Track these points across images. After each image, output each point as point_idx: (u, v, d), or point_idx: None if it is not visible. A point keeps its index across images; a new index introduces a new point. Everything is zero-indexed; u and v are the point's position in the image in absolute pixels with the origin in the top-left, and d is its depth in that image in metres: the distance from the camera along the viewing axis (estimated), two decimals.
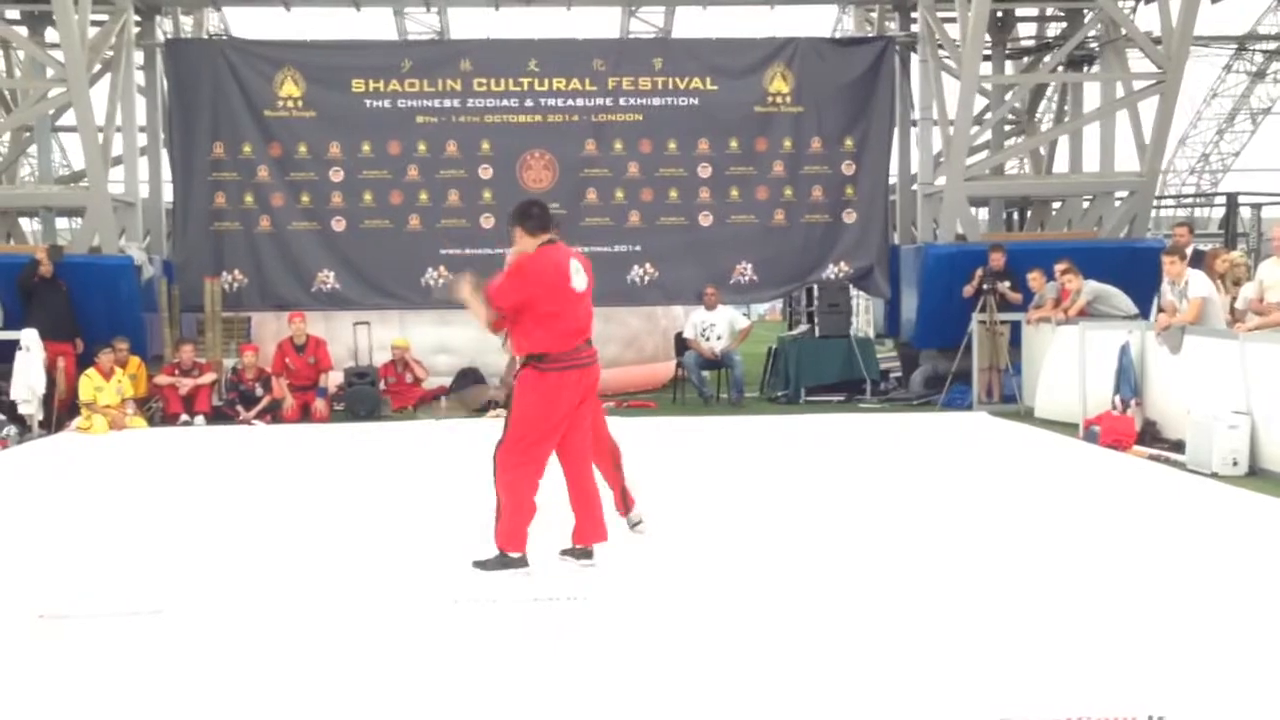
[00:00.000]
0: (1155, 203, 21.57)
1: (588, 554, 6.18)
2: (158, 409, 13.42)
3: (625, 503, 6.90)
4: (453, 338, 15.20)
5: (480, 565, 6.02)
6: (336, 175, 15.06)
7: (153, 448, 11.44)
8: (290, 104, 15.02)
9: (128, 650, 4.86)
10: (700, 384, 14.65)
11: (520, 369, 6.14)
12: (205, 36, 16.46)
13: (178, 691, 4.35)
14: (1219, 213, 27.31)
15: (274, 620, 5.30)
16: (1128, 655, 4.63)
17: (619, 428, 11.98)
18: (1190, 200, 32.42)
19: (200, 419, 13.16)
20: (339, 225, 15.09)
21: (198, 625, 5.22)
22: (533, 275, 6.00)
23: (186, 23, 16.36)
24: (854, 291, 16.49)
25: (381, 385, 14.06)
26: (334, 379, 14.10)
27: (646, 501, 7.09)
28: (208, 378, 13.52)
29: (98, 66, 13.90)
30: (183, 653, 4.82)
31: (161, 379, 13.42)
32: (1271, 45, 28.96)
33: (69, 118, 14.92)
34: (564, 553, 6.21)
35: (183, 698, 4.29)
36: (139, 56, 15.00)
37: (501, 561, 5.98)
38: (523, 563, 5.98)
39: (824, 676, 4.43)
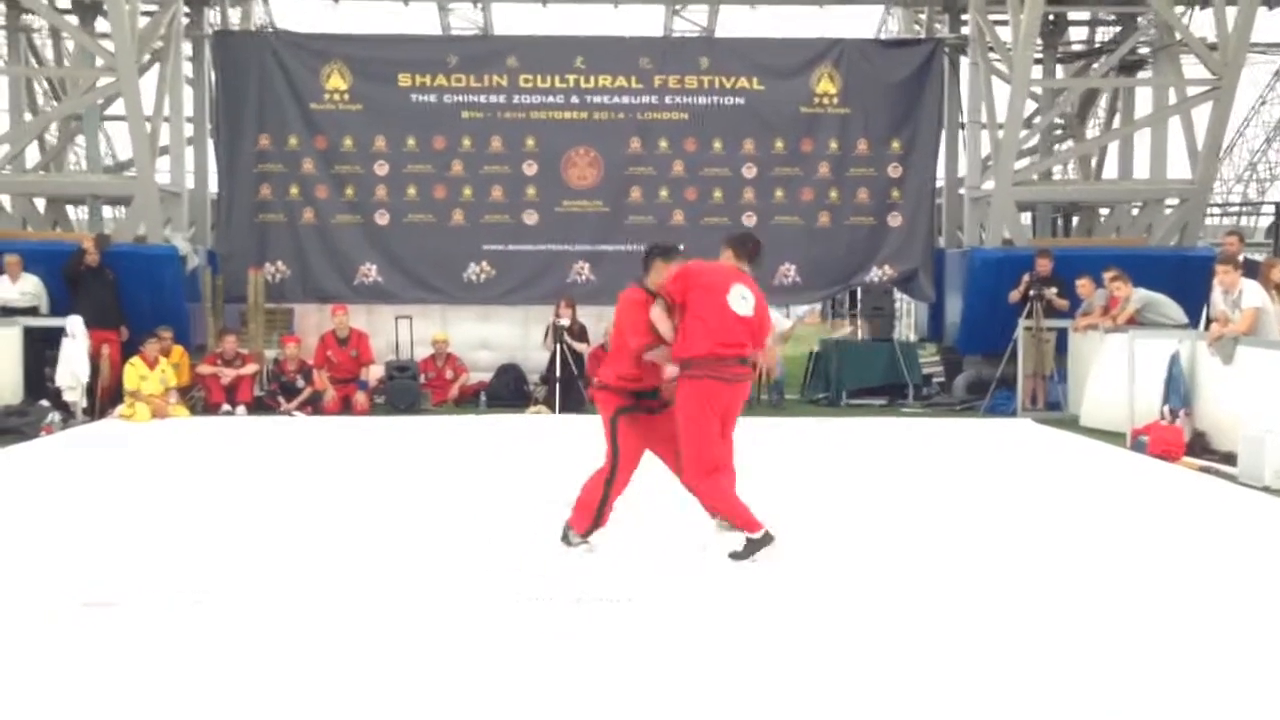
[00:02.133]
0: None
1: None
2: (200, 398, 13.50)
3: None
4: (493, 334, 15.25)
5: (735, 556, 6.21)
6: (381, 169, 15.08)
7: (194, 437, 11.48)
8: (336, 97, 15.06)
9: (167, 638, 4.85)
10: None
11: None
12: (253, 29, 16.52)
13: (213, 680, 4.34)
14: (1265, 221, 26.96)
15: (312, 612, 5.27)
16: (1170, 670, 4.53)
17: None
18: (1236, 209, 32.02)
19: (241, 409, 13.22)
20: (382, 219, 15.12)
21: (236, 615, 5.20)
22: (697, 270, 6.42)
23: (234, 15, 16.43)
24: (897, 295, 16.36)
25: (422, 379, 14.07)
26: (375, 372, 14.13)
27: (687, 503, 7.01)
28: (250, 368, 13.58)
29: (146, 57, 13.98)
30: (220, 642, 4.81)
31: (204, 369, 13.49)
32: None
33: (116, 107, 15.04)
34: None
35: (217, 686, 4.27)
36: (187, 48, 15.10)
37: (750, 546, 6.20)
38: (767, 539, 6.21)
39: (845, 678, 4.36)
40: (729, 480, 6.43)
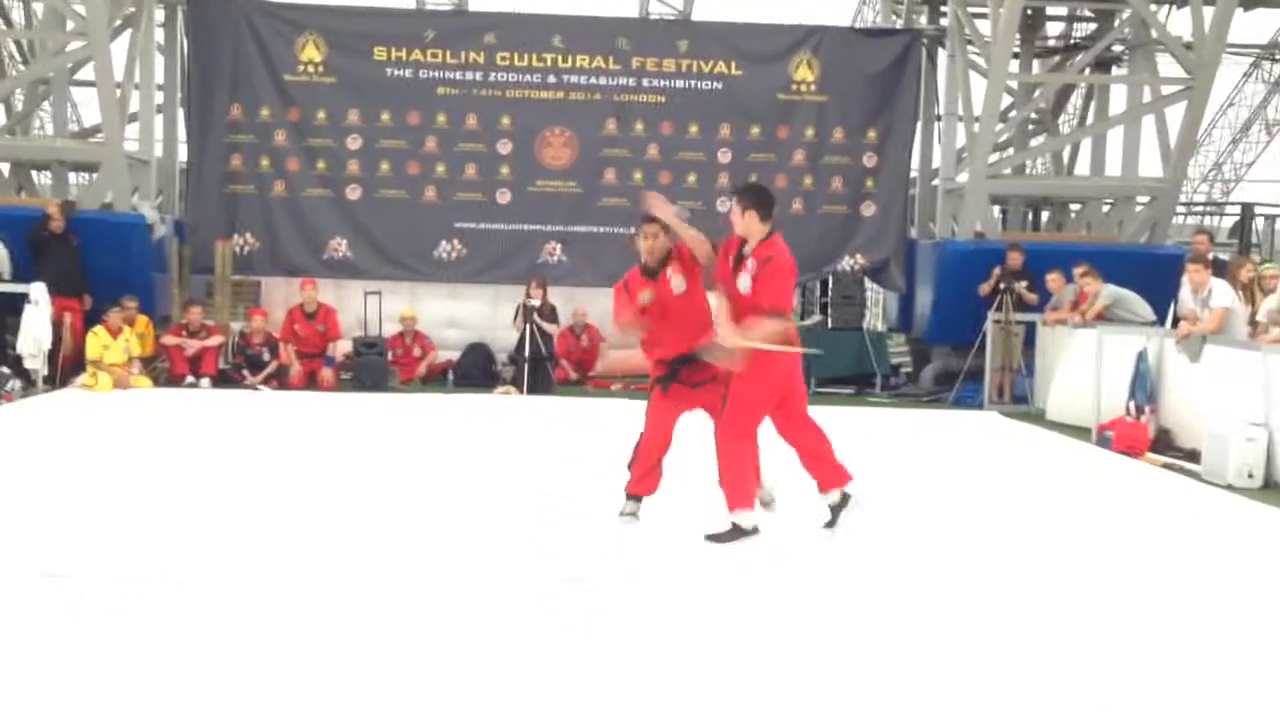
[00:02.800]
0: None
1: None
2: (163, 369, 13.36)
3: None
4: (462, 311, 15.15)
5: (714, 539, 6.28)
6: (354, 143, 14.94)
7: (157, 408, 11.37)
8: (310, 69, 14.90)
9: (126, 613, 4.79)
10: None
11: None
12: None
13: (171, 657, 4.28)
14: (1229, 221, 27.18)
15: (279, 594, 5.22)
16: (1129, 665, 4.55)
17: (628, 411, 11.96)
18: (1201, 208, 32.26)
19: (206, 381, 13.10)
20: (354, 193, 14.98)
21: (191, 593, 5.14)
22: (793, 268, 6.51)
23: None
24: (868, 284, 16.38)
25: (389, 356, 13.98)
26: (342, 348, 14.02)
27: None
28: (215, 340, 13.46)
29: (118, 22, 13.78)
30: (179, 618, 4.75)
31: (169, 339, 13.35)
32: None
33: (85, 73, 14.81)
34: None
35: (175, 663, 4.22)
36: (160, 14, 14.87)
37: (734, 532, 6.31)
38: (754, 531, 6.32)
39: (809, 673, 4.35)
40: (755, 452, 6.52)
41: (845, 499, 6.62)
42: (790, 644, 4.68)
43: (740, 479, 6.39)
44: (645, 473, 6.71)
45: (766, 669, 4.37)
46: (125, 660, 4.23)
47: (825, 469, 6.63)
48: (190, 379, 13.07)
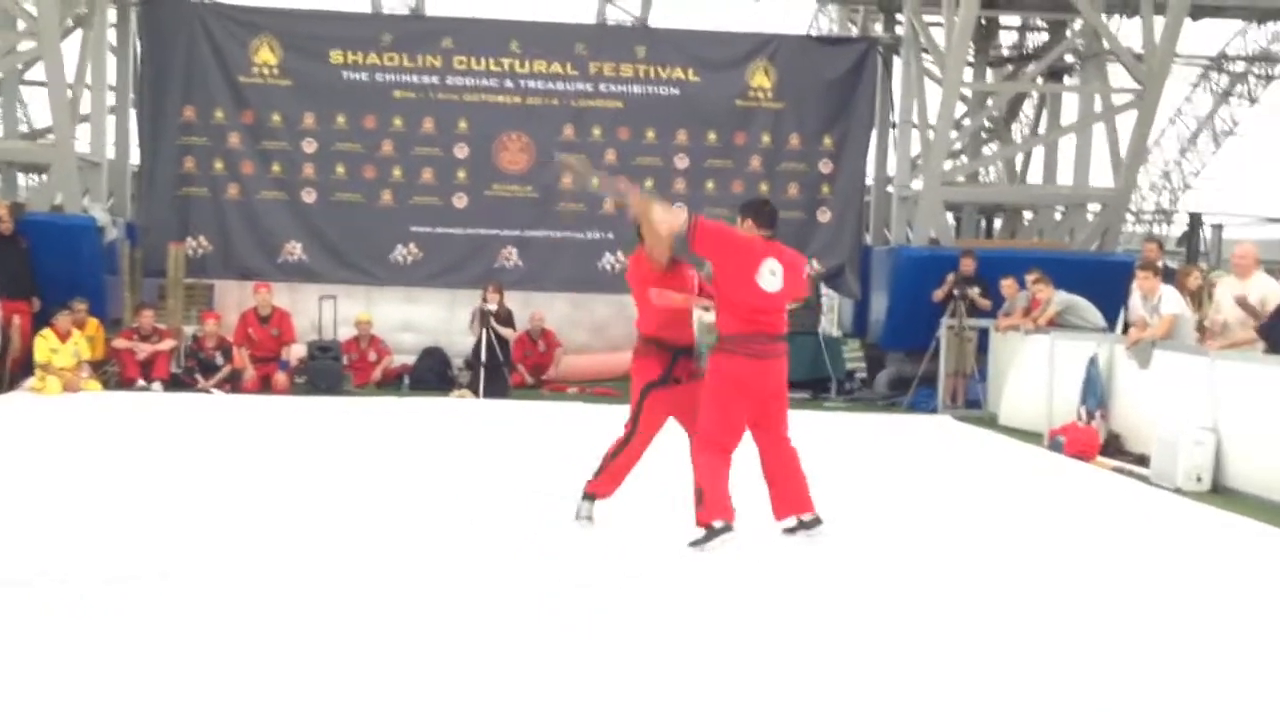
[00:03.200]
0: None
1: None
2: (114, 373, 13.20)
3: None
4: (418, 316, 15.10)
5: (694, 544, 6.19)
6: (309, 146, 14.86)
7: (107, 412, 11.23)
8: (265, 71, 14.81)
9: (75, 618, 4.73)
10: None
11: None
12: None
13: (131, 662, 4.24)
14: (1177, 230, 27.60)
15: (268, 595, 5.18)
16: (1094, 672, 4.60)
17: (586, 415, 11.97)
18: (1151, 216, 32.71)
19: (157, 385, 12.96)
20: (309, 197, 14.90)
21: (169, 594, 5.09)
22: (735, 239, 6.38)
23: None
24: (824, 290, 16.45)
25: (344, 360, 13.89)
26: (296, 352, 13.92)
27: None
28: (167, 344, 13.32)
29: (69, 21, 13.64)
30: (158, 621, 4.70)
31: (119, 343, 13.20)
32: (1239, 67, 29.25)
33: (35, 72, 14.65)
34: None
35: (135, 669, 4.17)
36: (112, 14, 14.72)
37: (709, 534, 6.21)
38: (727, 529, 6.20)
39: (801, 672, 4.38)
40: (727, 463, 6.38)
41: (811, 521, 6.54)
42: (783, 643, 4.70)
43: (714, 492, 6.28)
44: (614, 478, 6.67)
45: (761, 668, 4.39)
46: (81, 664, 4.18)
47: (790, 494, 6.57)
48: (141, 383, 12.92)
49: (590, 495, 6.75)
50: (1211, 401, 9.12)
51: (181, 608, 4.91)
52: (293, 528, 6.50)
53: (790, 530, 6.57)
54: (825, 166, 15.45)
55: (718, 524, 6.21)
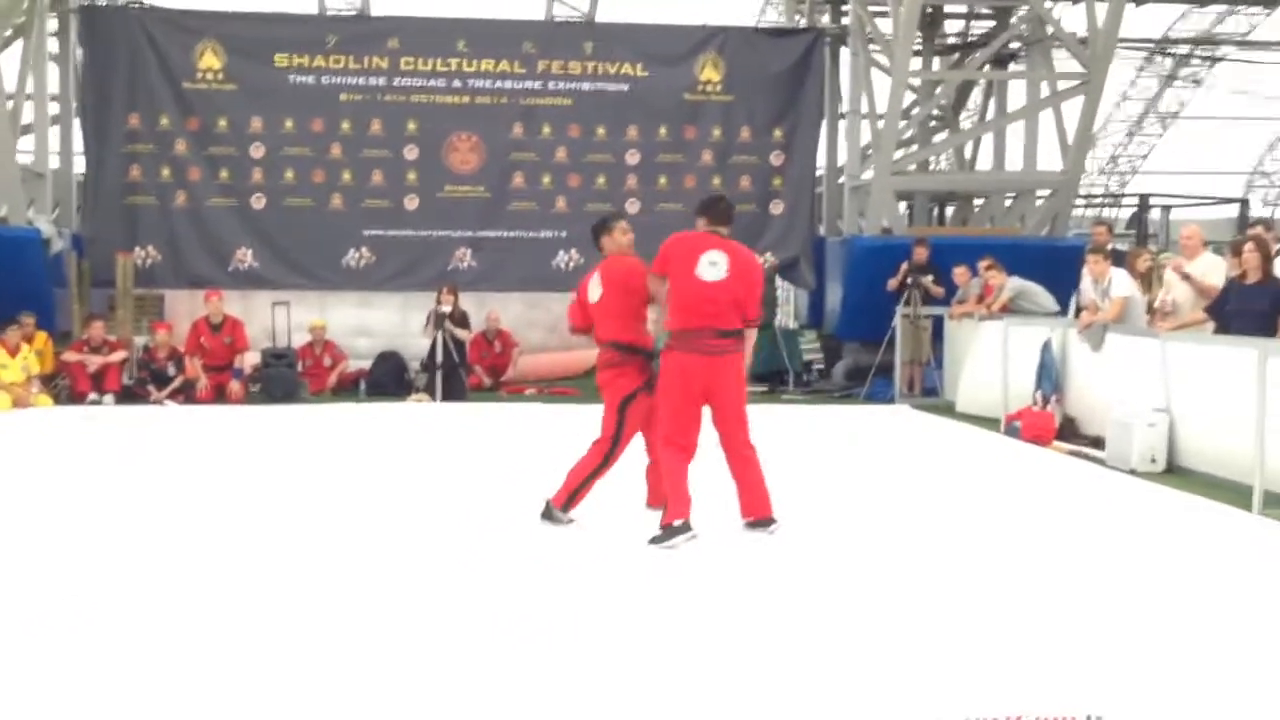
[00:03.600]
0: None
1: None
2: (64, 387, 13.02)
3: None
4: (373, 320, 15.01)
5: (654, 541, 6.19)
6: (257, 151, 14.73)
7: (59, 426, 11.07)
8: (210, 76, 14.66)
9: (35, 637, 4.66)
10: None
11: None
12: (122, 3, 15.97)
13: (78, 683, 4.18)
14: (1126, 213, 27.90)
15: (193, 613, 5.11)
16: (1060, 653, 4.63)
17: (544, 415, 11.94)
18: (1100, 200, 33.07)
19: (109, 398, 12.80)
20: (259, 202, 14.77)
21: (92, 612, 5.02)
22: (668, 246, 6.49)
23: None
24: (779, 282, 16.51)
25: (299, 367, 13.78)
26: (250, 360, 13.80)
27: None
28: (118, 355, 13.16)
29: (9, 31, 13.43)
30: (90, 640, 4.63)
31: (69, 356, 13.02)
32: (1183, 50, 29.64)
33: None
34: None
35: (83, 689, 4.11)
36: (53, 23, 14.52)
37: (669, 532, 6.21)
38: (685, 528, 6.20)
39: (727, 670, 4.37)
40: (685, 461, 6.37)
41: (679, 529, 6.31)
42: (748, 638, 4.70)
43: (674, 491, 6.29)
44: (583, 494, 6.66)
45: (726, 663, 4.38)
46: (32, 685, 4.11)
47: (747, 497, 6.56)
48: (93, 396, 12.76)
49: (558, 508, 6.67)
50: (1164, 382, 9.21)
51: (146, 625, 4.84)
52: (258, 540, 6.41)
53: (748, 526, 6.57)
54: (776, 159, 15.49)
55: (677, 523, 6.22)
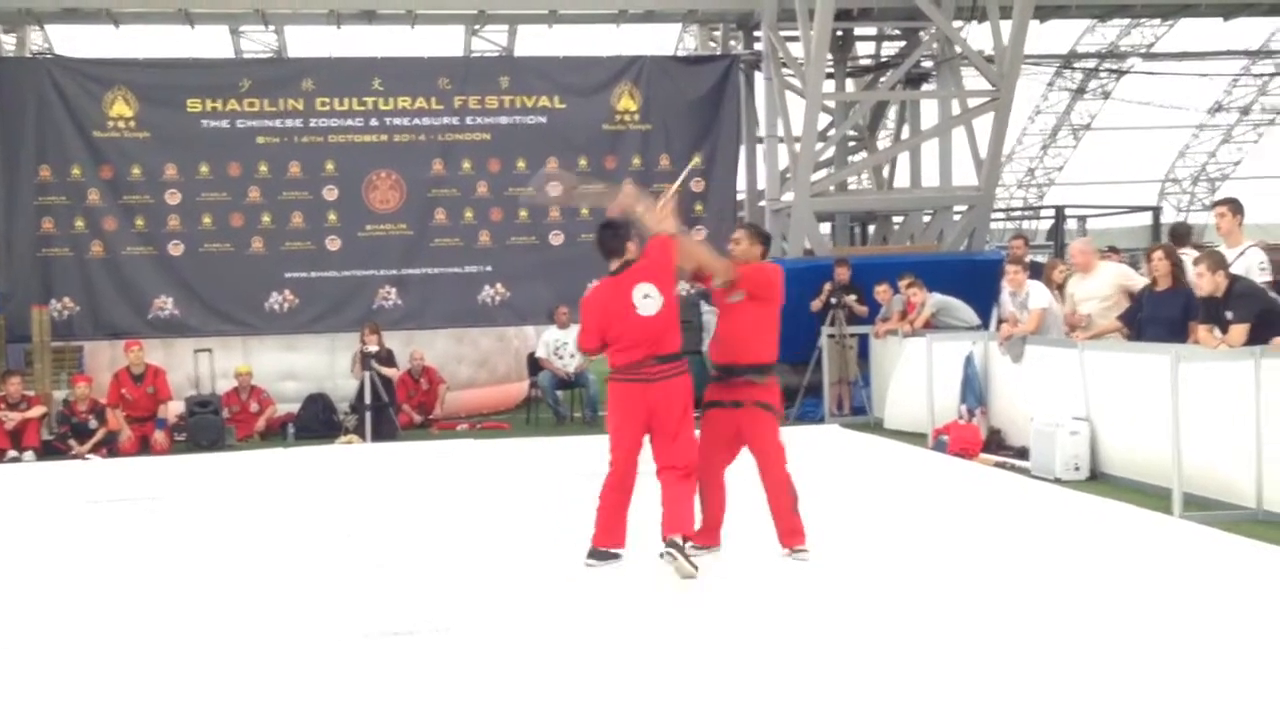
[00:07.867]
0: None
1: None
2: None
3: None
4: (299, 363, 14.85)
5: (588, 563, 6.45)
6: (173, 197, 14.54)
7: None
8: (121, 124, 14.45)
9: None
10: (555, 404, 14.54)
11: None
12: (29, 55, 15.74)
13: None
14: (1045, 225, 28.43)
15: (137, 661, 5.01)
16: (991, 664, 4.67)
17: (473, 449, 11.87)
18: (1019, 213, 33.68)
19: (29, 454, 12.52)
20: (176, 249, 14.56)
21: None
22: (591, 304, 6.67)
23: (9, 41, 15.62)
24: (704, 307, 16.54)
25: (225, 414, 13.59)
26: (174, 409, 13.59)
27: (512, 523, 6.94)
28: (36, 411, 12.89)
29: None
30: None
31: None
32: (1091, 64, 30.31)
33: None
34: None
35: None
36: None
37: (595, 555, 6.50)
38: (612, 556, 6.48)
39: (669, 688, 4.37)
40: (623, 493, 6.51)
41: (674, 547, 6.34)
42: (752, 653, 4.70)
43: (601, 516, 6.50)
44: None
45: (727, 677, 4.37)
46: None
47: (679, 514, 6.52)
48: (12, 453, 12.47)
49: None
50: (1083, 391, 9.38)
51: (76, 684, 4.74)
52: (194, 594, 6.30)
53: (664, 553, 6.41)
54: (697, 185, 15.55)
55: (606, 550, 6.38)
